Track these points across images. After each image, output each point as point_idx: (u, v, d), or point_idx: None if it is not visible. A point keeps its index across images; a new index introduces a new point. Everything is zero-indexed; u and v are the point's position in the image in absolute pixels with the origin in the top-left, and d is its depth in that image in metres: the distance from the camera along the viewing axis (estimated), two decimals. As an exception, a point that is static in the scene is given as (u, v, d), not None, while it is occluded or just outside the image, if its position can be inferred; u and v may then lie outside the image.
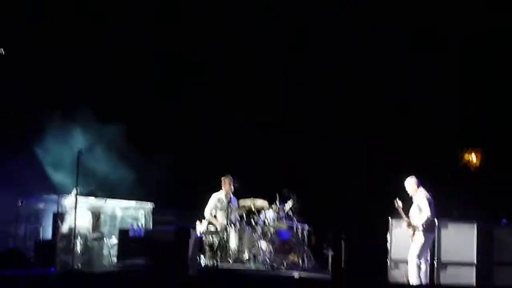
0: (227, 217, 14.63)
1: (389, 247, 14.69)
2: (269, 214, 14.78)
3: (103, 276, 12.82)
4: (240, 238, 14.42)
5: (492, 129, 17.70)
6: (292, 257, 14.35)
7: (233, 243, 14.41)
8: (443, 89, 17.72)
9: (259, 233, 14.39)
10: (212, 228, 14.69)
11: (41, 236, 15.52)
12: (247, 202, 14.93)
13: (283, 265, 14.12)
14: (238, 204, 15.23)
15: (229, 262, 14.18)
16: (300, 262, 14.58)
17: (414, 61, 17.63)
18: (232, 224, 14.54)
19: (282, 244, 14.17)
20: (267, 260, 14.14)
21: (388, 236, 14.68)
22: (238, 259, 14.24)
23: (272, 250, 14.22)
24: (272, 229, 14.45)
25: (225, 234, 14.43)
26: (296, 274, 13.69)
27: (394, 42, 17.56)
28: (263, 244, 14.24)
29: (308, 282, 13.27)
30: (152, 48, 18.08)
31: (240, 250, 14.32)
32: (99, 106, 16.92)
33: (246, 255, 14.28)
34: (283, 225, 14.76)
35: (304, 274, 13.87)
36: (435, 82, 17.77)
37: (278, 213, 14.82)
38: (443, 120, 17.90)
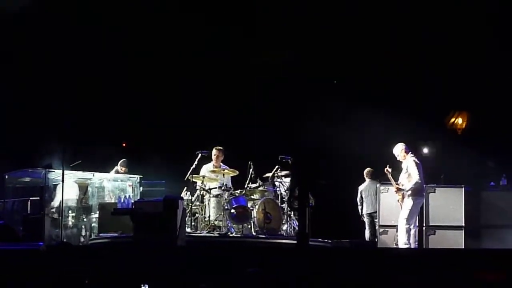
0: (204, 187, 14.63)
1: (379, 213, 14.75)
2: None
3: (90, 249, 12.79)
4: (213, 207, 14.41)
5: (477, 91, 17.62)
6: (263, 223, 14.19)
7: (207, 212, 14.45)
8: (429, 51, 17.57)
9: (223, 201, 14.35)
10: (189, 198, 14.63)
11: (28, 210, 15.47)
12: (216, 172, 14.92)
13: (240, 232, 14.07)
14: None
15: (200, 230, 14.21)
16: (280, 227, 14.38)
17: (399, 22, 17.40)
18: (207, 194, 14.51)
19: (239, 211, 14.10)
20: (230, 227, 14.12)
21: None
22: (208, 228, 14.26)
23: (228, 218, 14.16)
24: (229, 197, 14.38)
25: (200, 203, 14.47)
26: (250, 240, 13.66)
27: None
28: (226, 212, 14.22)
29: (267, 248, 13.06)
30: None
31: (211, 219, 14.33)
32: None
33: (216, 223, 14.32)
34: (266, 193, 14.66)
35: (266, 240, 13.75)
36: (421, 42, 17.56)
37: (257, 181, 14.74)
38: (429, 84, 17.81)
